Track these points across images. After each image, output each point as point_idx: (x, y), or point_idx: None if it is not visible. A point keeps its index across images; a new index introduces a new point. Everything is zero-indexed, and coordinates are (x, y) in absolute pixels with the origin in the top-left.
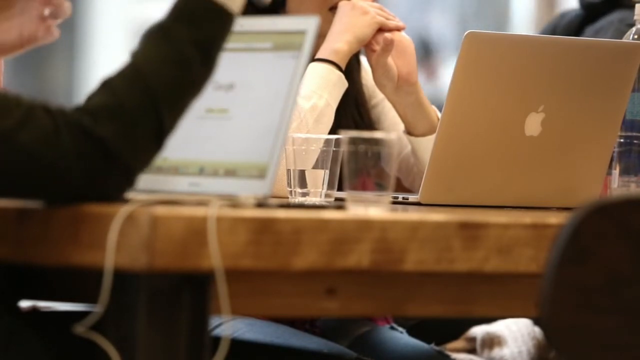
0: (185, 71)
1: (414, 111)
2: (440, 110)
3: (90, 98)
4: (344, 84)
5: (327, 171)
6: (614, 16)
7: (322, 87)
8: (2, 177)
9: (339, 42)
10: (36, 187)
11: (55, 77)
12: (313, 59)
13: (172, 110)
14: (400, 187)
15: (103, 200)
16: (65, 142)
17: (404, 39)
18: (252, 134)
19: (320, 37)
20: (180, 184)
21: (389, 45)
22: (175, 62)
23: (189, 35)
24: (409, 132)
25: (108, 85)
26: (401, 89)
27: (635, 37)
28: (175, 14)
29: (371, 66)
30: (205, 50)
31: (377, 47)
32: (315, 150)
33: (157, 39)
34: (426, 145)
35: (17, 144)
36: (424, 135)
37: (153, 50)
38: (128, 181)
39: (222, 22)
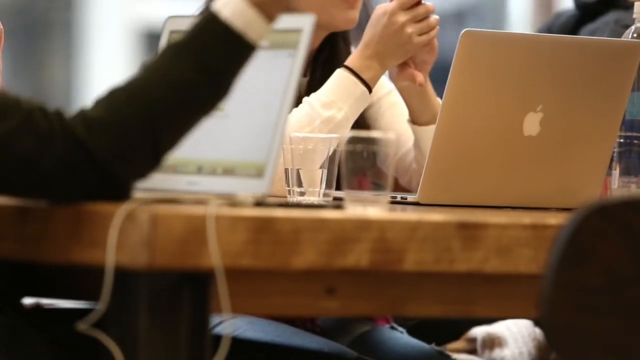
0: (187, 94)
1: (419, 102)
2: None
3: (95, 106)
4: (366, 100)
5: (325, 170)
6: (610, 17)
7: (344, 99)
8: None
9: (374, 62)
10: (26, 192)
11: (53, 77)
12: (343, 64)
13: (171, 129)
14: (397, 187)
15: None
16: (58, 149)
17: (433, 44)
18: (250, 133)
19: (324, 28)
20: (179, 183)
21: (419, 84)
22: (179, 85)
23: (197, 60)
24: (413, 120)
25: (112, 96)
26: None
27: (635, 35)
28: (192, 35)
29: (395, 68)
30: (213, 76)
31: (411, 64)
32: (313, 150)
33: (168, 57)
34: (427, 135)
35: (14, 148)
36: (427, 124)
37: (161, 68)
38: (121, 193)
39: (238, 50)
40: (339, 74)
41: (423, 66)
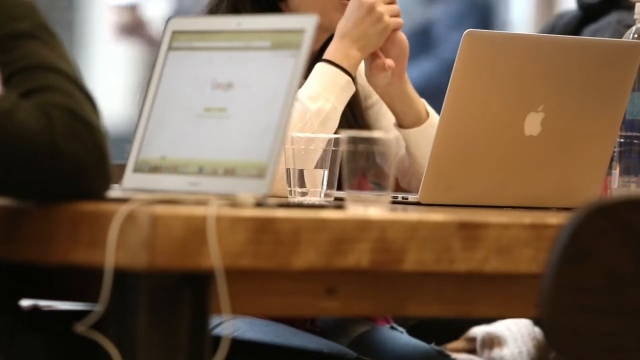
0: None
1: (402, 104)
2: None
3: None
4: (351, 89)
5: (327, 171)
6: (612, 17)
7: (330, 90)
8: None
9: (352, 49)
10: (32, 168)
11: None
12: (322, 58)
13: None
14: (398, 188)
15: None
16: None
17: (399, 35)
18: (251, 133)
19: (324, 30)
20: (180, 183)
21: (389, 67)
22: None
23: None
24: (398, 124)
25: None
26: (390, 84)
27: (635, 36)
28: None
29: (367, 64)
30: None
31: (381, 54)
32: (314, 150)
33: None
34: (414, 137)
35: (15, 122)
36: (411, 126)
37: None
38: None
39: None
40: (321, 68)
41: (398, 64)
